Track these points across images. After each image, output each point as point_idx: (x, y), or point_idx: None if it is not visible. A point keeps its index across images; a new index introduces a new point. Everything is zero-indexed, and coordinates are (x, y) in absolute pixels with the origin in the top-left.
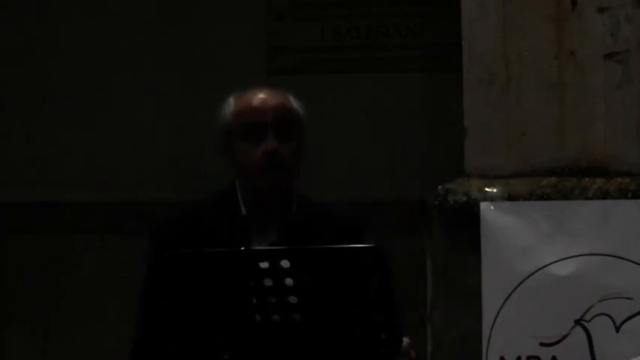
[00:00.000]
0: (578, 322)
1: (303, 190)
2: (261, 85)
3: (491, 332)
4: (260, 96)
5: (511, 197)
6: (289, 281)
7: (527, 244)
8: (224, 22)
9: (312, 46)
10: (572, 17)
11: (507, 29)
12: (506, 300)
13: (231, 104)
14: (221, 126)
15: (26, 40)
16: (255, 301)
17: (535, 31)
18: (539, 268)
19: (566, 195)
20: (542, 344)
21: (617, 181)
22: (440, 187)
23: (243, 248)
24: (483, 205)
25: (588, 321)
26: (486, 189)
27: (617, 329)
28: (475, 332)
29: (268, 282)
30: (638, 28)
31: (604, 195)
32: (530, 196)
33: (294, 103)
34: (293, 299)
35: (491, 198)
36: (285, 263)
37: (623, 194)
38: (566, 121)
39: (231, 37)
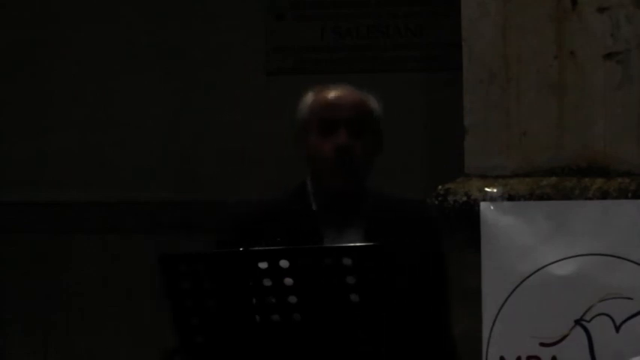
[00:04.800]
0: (578, 322)
1: None
2: (340, 83)
3: (491, 332)
4: (337, 92)
5: (511, 197)
6: (289, 281)
7: (527, 244)
8: (224, 22)
9: (312, 46)
10: (572, 17)
11: (507, 29)
12: (506, 300)
13: (309, 98)
14: (298, 118)
15: (28, 41)
16: (254, 301)
17: (535, 31)
18: (539, 268)
19: (566, 195)
20: (542, 344)
21: (617, 181)
22: (440, 187)
23: (241, 249)
24: (483, 205)
25: (588, 321)
26: (486, 189)
27: (617, 329)
28: (475, 332)
29: (268, 282)
30: (638, 28)
31: (604, 195)
32: (530, 196)
33: (372, 102)
34: (292, 299)
35: (491, 198)
36: (284, 263)
37: (623, 194)
38: (566, 121)
39: (231, 37)
